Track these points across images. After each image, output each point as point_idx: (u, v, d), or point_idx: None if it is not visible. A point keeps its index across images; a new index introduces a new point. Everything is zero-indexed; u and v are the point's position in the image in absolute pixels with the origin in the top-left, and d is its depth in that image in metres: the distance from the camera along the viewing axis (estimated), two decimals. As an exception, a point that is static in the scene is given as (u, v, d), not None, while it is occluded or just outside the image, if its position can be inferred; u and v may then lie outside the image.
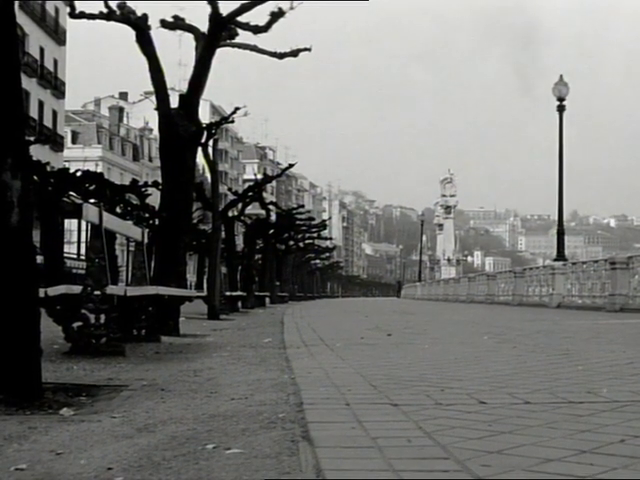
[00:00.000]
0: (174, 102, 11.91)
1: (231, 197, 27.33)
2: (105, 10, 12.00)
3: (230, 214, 25.51)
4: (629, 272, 20.51)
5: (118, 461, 2.61)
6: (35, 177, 13.04)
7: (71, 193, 14.33)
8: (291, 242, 42.95)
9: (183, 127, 11.57)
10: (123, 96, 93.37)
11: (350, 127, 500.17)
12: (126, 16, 11.66)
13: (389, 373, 4.98)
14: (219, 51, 12.45)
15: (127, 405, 3.81)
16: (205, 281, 20.62)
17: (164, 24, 12.99)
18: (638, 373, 5.03)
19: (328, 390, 4.14)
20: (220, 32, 12.20)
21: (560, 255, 26.90)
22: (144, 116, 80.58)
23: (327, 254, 75.18)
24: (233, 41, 13.22)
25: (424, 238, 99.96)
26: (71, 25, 56.37)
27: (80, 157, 66.31)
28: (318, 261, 73.35)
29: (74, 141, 72.00)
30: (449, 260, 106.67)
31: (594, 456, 2.55)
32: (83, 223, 19.55)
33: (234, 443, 2.84)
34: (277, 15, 12.87)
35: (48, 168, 14.48)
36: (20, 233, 3.83)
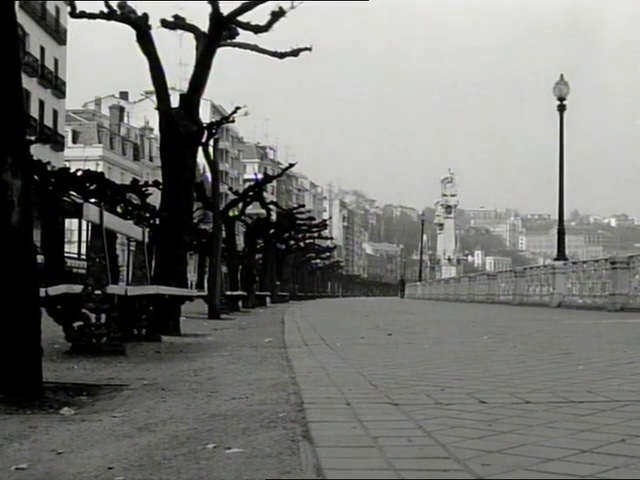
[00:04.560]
0: (175, 102, 11.92)
1: (232, 197, 27.35)
2: (105, 10, 12.01)
3: (231, 214, 25.53)
4: (630, 272, 20.51)
5: (119, 460, 2.61)
6: (36, 177, 13.05)
7: (72, 193, 14.35)
8: (292, 242, 43.00)
9: (184, 127, 11.57)
10: (124, 95, 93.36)
11: (351, 126, 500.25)
12: (126, 16, 11.66)
13: (389, 372, 4.98)
14: (220, 51, 12.46)
15: (128, 404, 3.81)
16: (206, 280, 20.63)
17: (164, 24, 12.99)
18: (638, 373, 5.02)
19: (329, 389, 4.14)
20: (221, 32, 12.21)
21: (561, 255, 26.89)
22: (145, 116, 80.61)
23: (327, 254, 75.25)
24: (234, 41, 13.22)
25: (425, 238, 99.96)
26: (72, 25, 56.40)
27: (81, 157, 66.32)
28: (319, 261, 73.41)
29: (75, 140, 72.02)
30: (449, 260, 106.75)
31: (594, 455, 2.55)
32: (84, 223, 19.57)
33: (235, 442, 2.84)
34: (278, 15, 12.88)
35: (49, 168, 14.51)
36: (21, 232, 3.83)
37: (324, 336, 8.90)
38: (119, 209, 17.09)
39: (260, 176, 37.42)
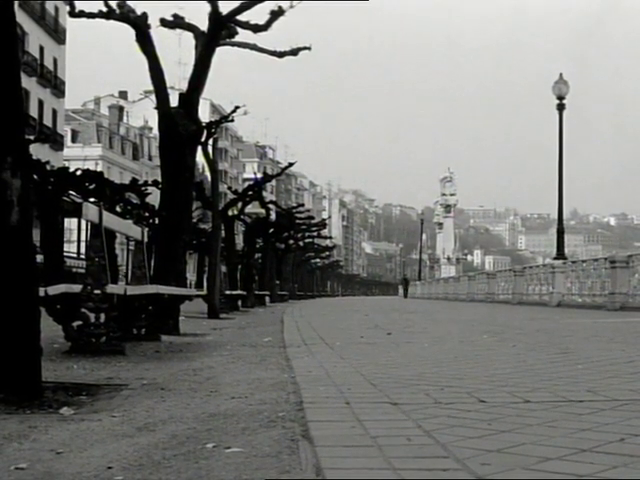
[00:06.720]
0: (174, 101, 11.92)
1: (231, 196, 27.34)
2: (105, 9, 12.02)
3: (230, 213, 25.53)
4: (629, 271, 20.51)
5: (118, 460, 2.61)
6: (35, 176, 13.05)
7: (71, 192, 14.35)
8: (291, 241, 42.98)
9: (183, 126, 11.57)
10: (123, 95, 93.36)
11: (350, 125, 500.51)
12: (126, 15, 11.67)
13: (389, 372, 4.97)
14: (219, 50, 12.46)
15: (127, 404, 3.81)
16: (205, 280, 20.63)
17: (164, 23, 12.99)
18: (638, 372, 5.02)
19: (328, 389, 4.14)
20: (220, 31, 12.21)
21: (560, 254, 26.89)
22: (144, 115, 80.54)
23: (327, 253, 75.27)
24: (233, 40, 13.22)
25: (424, 237, 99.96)
26: (71, 24, 56.36)
27: (80, 156, 66.25)
28: (318, 260, 73.44)
29: (74, 140, 71.97)
30: (449, 259, 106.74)
31: (594, 455, 2.55)
32: (83, 222, 19.56)
33: (234, 442, 2.84)
34: (277, 14, 12.88)
35: (48, 167, 14.50)
36: (20, 232, 3.83)
37: (323, 335, 8.90)
38: (118, 208, 17.08)
39: (259, 175, 37.43)
